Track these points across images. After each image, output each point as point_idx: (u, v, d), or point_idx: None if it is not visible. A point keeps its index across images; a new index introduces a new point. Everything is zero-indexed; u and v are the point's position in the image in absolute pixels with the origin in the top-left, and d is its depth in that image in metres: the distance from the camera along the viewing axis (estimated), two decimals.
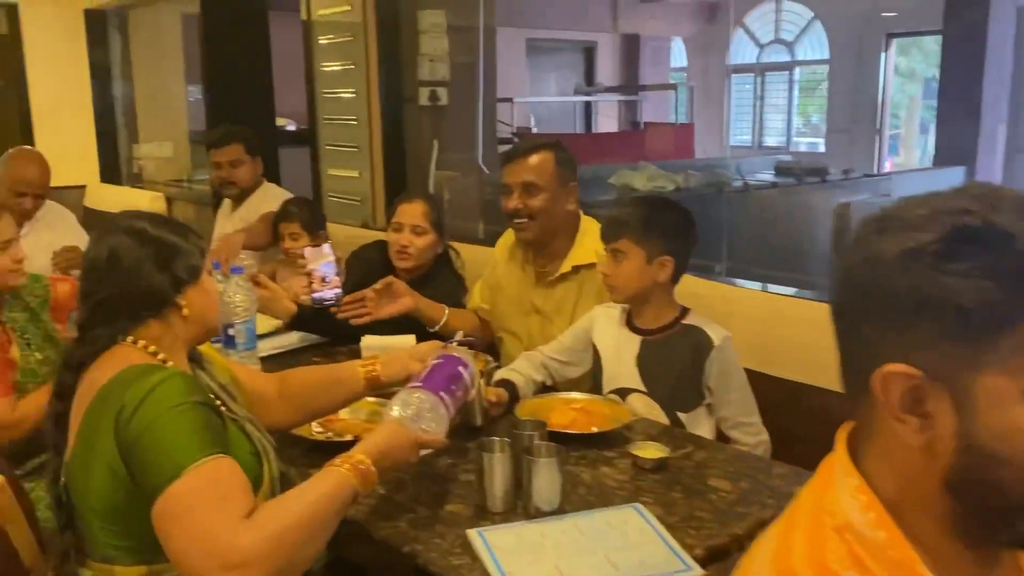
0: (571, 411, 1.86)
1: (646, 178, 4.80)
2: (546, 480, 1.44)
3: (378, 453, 1.33)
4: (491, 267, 2.54)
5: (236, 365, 1.65)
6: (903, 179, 6.62)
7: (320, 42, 4.09)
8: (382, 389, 1.67)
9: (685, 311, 1.98)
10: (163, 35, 6.37)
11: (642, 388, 1.96)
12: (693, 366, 1.91)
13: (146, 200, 5.69)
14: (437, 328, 2.40)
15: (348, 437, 1.75)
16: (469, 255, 2.83)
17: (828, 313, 0.74)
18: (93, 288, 1.36)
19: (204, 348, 1.55)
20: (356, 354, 2.33)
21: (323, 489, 1.26)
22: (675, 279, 1.96)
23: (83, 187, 6.29)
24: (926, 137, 11.07)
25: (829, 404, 2.21)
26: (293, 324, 2.41)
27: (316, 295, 2.22)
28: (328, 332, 2.46)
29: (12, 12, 6.06)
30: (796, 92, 11.03)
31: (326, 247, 2.24)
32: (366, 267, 2.72)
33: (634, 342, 1.98)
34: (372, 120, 3.83)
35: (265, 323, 2.52)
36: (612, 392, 2.00)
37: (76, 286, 2.37)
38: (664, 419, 1.92)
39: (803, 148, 10.87)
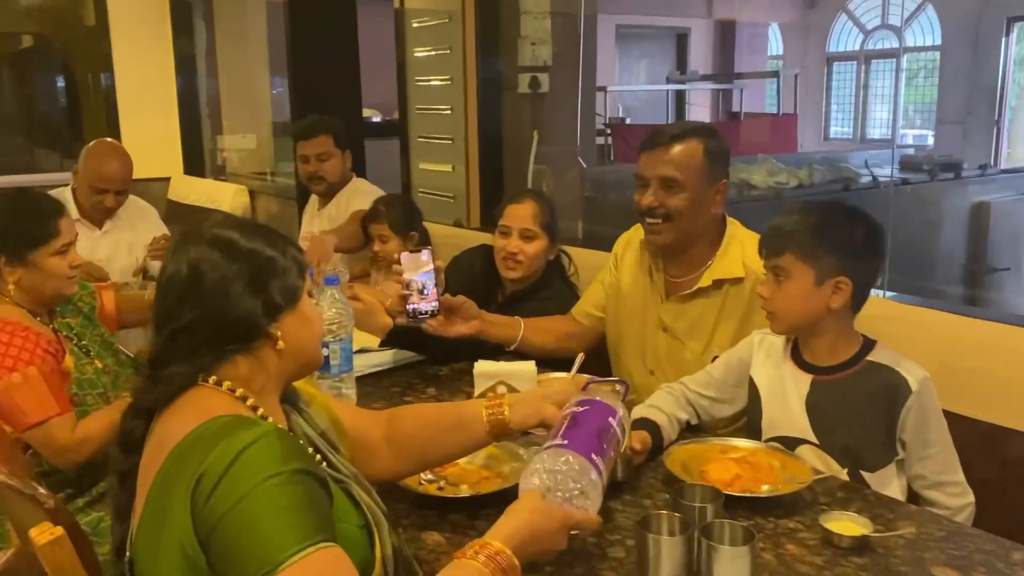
0: (731, 463, 1.51)
1: (765, 172, 4.37)
2: (732, 574, 1.11)
3: (520, 541, 1.03)
4: (608, 268, 2.21)
5: (336, 402, 1.36)
6: None
7: (413, 25, 3.81)
8: (509, 437, 1.36)
9: (870, 344, 1.61)
10: (248, 24, 6.23)
11: (813, 439, 1.60)
12: (883, 415, 1.54)
13: (229, 193, 5.56)
14: (514, 347, 2.08)
15: (464, 490, 1.44)
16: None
17: None
18: (169, 313, 1.08)
19: (299, 382, 1.27)
20: (460, 374, 2.05)
21: None
22: (856, 307, 1.60)
23: (167, 179, 6.22)
24: None
25: None
26: (389, 340, 2.12)
27: (411, 307, 1.92)
28: (427, 350, 2.16)
29: (101, 3, 5.99)
30: (903, 81, 10.35)
31: (425, 253, 1.94)
32: (467, 275, 2.43)
33: (803, 381, 1.62)
34: (468, 109, 3.53)
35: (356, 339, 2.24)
36: (773, 440, 1.64)
37: (119, 293, 2.12)
38: (843, 478, 1.56)
39: (909, 140, 10.19)
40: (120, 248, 3.22)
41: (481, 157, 3.55)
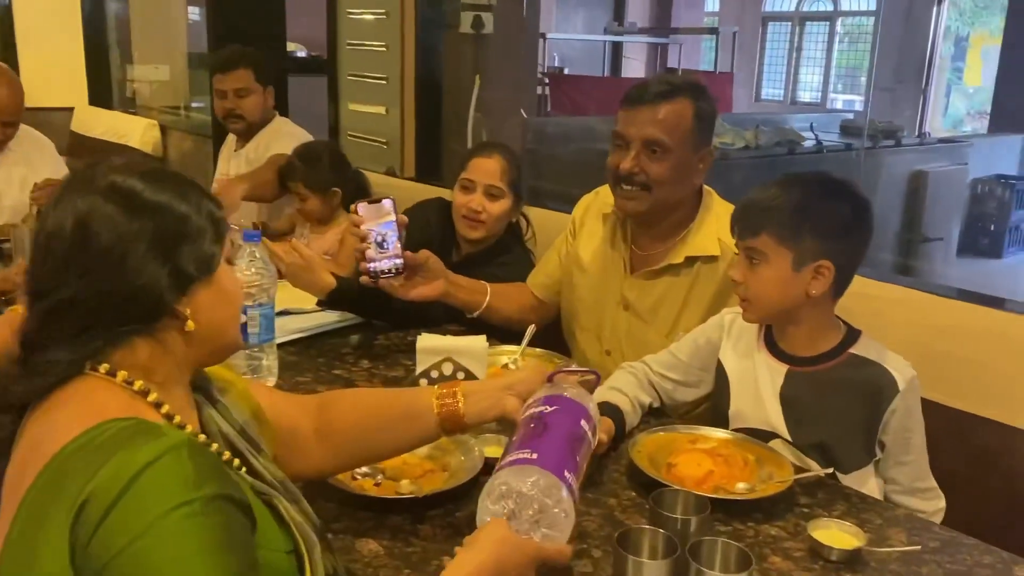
0: (703, 456, 1.36)
1: None
2: None
3: None
4: (564, 235, 2.02)
5: (257, 387, 1.14)
6: (985, 145, 6.00)
7: None
8: (463, 431, 1.17)
9: (853, 335, 1.46)
10: None
11: (786, 435, 1.45)
12: (864, 414, 1.41)
13: (139, 128, 5.16)
14: (476, 314, 1.89)
15: (406, 487, 1.24)
16: None
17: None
18: (48, 282, 0.84)
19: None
20: (400, 344, 1.85)
21: None
22: (837, 293, 1.44)
23: (71, 110, 5.79)
24: (948, 99, 10.54)
25: (1005, 443, 1.74)
26: (329, 302, 1.89)
27: (372, 265, 1.68)
28: (367, 313, 1.94)
29: None
30: (836, 45, 10.38)
31: (387, 203, 1.68)
32: (421, 232, 2.19)
33: (777, 372, 1.47)
34: (405, 47, 3.26)
35: (292, 296, 2.02)
36: (741, 431, 1.49)
37: None
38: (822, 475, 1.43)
39: (839, 105, 10.26)
40: (11, 184, 2.87)
41: (418, 100, 3.30)
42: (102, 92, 5.92)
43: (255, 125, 2.88)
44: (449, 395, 1.12)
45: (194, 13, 6.09)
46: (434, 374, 1.50)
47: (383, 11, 3.33)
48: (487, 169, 2.07)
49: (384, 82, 3.36)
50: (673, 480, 1.30)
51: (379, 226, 1.66)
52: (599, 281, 1.88)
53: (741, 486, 1.30)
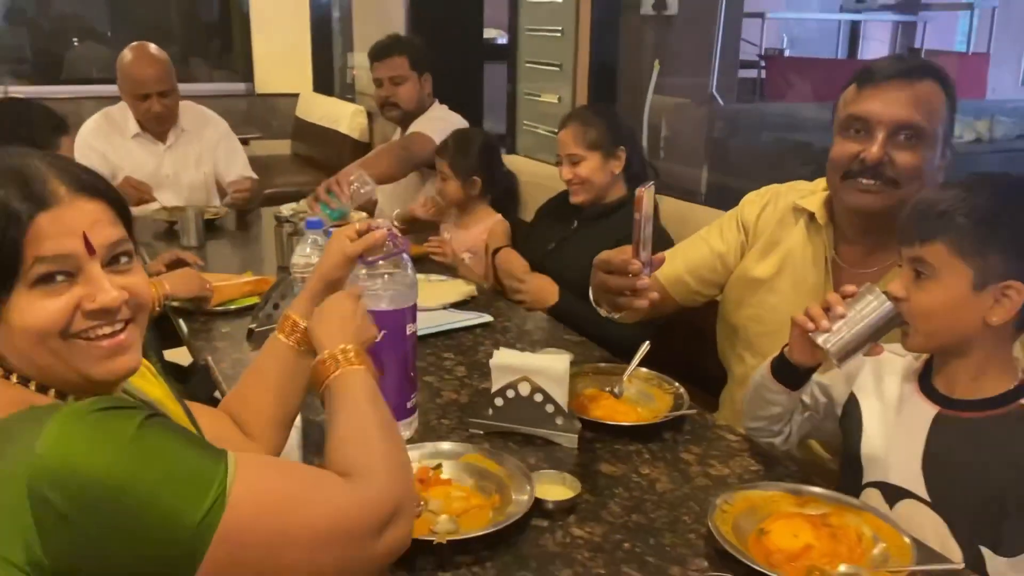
0: (805, 525, 1.12)
1: None
2: None
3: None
4: (725, 231, 1.68)
5: (195, 407, 1.11)
6: None
7: None
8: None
9: None
10: None
11: (924, 495, 1.17)
12: None
13: (348, 113, 5.41)
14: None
15: (442, 527, 1.11)
16: (678, 218, 2.08)
17: None
18: None
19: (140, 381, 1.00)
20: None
21: (361, 397, 0.98)
22: (1023, 323, 1.15)
23: (296, 95, 6.19)
24: None
25: None
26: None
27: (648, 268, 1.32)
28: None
29: None
30: None
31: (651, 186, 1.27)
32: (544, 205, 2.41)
33: (924, 414, 1.19)
34: (580, 31, 3.09)
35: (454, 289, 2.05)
36: (871, 486, 1.23)
37: None
38: (955, 552, 1.14)
39: None
40: (187, 162, 3.03)
41: (591, 88, 3.11)
42: (325, 79, 6.26)
43: (412, 113, 2.84)
44: (286, 326, 1.18)
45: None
46: (510, 394, 1.36)
47: None
48: (564, 140, 2.21)
49: (558, 69, 3.22)
50: (759, 553, 1.08)
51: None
52: (789, 300, 1.55)
53: (843, 569, 1.05)
